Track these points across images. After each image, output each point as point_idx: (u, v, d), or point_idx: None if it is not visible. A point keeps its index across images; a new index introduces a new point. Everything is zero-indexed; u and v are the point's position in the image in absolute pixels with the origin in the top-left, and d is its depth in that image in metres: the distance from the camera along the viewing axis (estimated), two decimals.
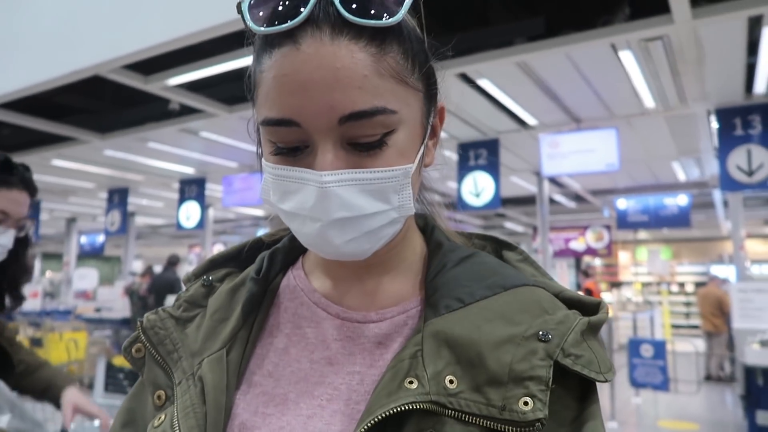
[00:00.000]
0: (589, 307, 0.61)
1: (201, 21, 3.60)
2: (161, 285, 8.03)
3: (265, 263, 0.70)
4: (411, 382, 0.54)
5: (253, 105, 0.62)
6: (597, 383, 0.56)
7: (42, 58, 4.54)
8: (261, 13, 0.55)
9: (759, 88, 5.21)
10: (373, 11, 0.53)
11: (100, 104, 6.43)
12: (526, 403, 0.52)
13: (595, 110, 6.07)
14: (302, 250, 0.74)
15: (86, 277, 11.21)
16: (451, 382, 0.54)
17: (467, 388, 0.54)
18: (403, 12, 0.54)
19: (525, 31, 4.32)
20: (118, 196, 10.40)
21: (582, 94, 5.57)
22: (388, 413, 0.52)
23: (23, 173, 1.48)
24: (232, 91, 5.70)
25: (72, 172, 9.14)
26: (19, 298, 1.53)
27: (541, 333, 0.55)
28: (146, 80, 5.05)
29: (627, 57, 4.50)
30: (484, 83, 5.14)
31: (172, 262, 8.61)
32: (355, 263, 0.63)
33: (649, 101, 5.61)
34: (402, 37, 0.57)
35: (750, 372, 4.96)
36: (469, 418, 0.53)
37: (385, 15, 0.53)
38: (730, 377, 8.75)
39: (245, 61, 4.56)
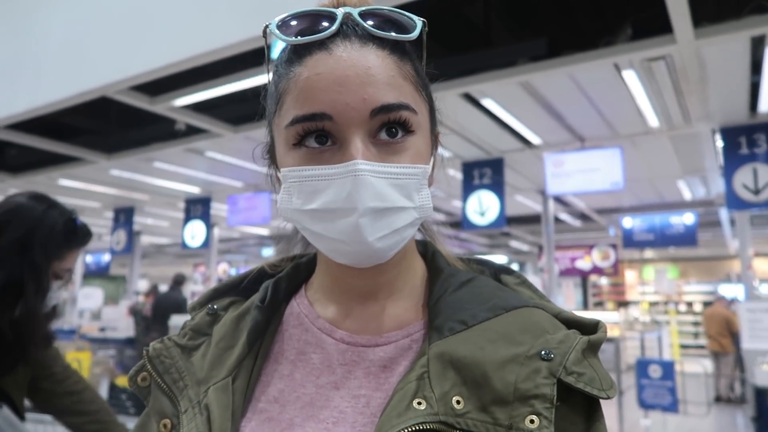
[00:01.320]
0: (587, 327, 0.62)
1: (207, 42, 3.64)
2: (167, 304, 7.96)
3: (269, 291, 0.71)
4: (419, 403, 0.55)
5: (270, 126, 0.66)
6: (600, 400, 0.57)
7: (49, 79, 4.59)
8: (291, 31, 0.60)
9: (763, 107, 5.21)
10: (394, 29, 0.60)
11: (107, 125, 6.48)
12: (532, 421, 0.53)
13: (599, 129, 6.08)
14: (305, 279, 0.75)
15: (91, 296, 11.20)
16: (458, 402, 0.55)
17: (474, 408, 0.54)
18: (417, 31, 0.61)
19: (528, 52, 4.34)
20: (123, 216, 10.44)
21: (586, 113, 5.58)
22: None
23: (88, 231, 1.56)
24: (237, 111, 5.74)
25: (78, 192, 9.19)
26: (48, 338, 1.55)
27: (543, 352, 0.56)
28: (152, 101, 5.10)
29: (630, 77, 4.51)
30: (487, 103, 5.16)
31: (178, 281, 8.58)
32: (364, 283, 0.65)
33: (653, 120, 5.61)
34: (414, 58, 0.63)
35: (761, 393, 4.89)
36: None
37: (404, 31, 0.61)
38: (741, 399, 8.62)
39: (251, 82, 4.60)
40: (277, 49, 0.68)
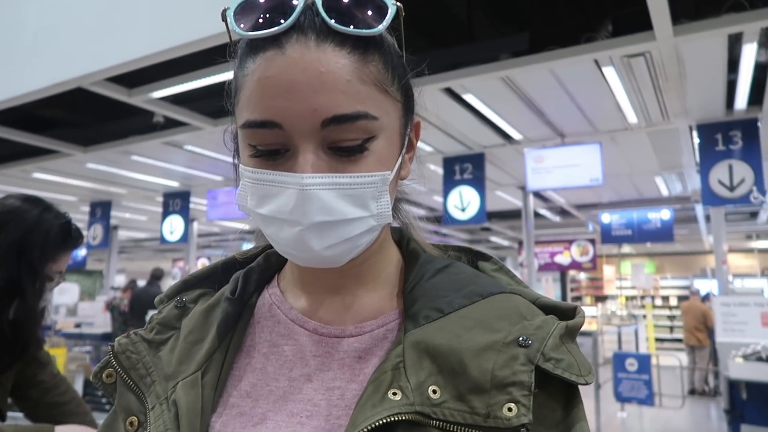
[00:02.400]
0: (565, 312, 0.61)
1: (186, 34, 3.59)
2: (145, 300, 7.87)
3: (240, 283, 0.69)
4: (395, 394, 0.53)
5: (232, 111, 0.62)
6: (579, 386, 0.57)
7: (23, 69, 4.49)
8: (246, 20, 0.56)
9: (739, 104, 5.29)
10: (355, 23, 0.55)
11: (83, 117, 6.37)
12: (510, 409, 0.52)
13: (579, 125, 6.13)
14: (277, 269, 0.73)
15: (67, 291, 11.01)
16: (434, 392, 0.53)
17: (450, 397, 0.53)
18: (384, 25, 0.56)
19: (510, 47, 4.36)
20: (100, 210, 10.28)
21: (566, 109, 5.62)
22: (373, 425, 0.52)
23: (81, 234, 1.60)
24: (217, 104, 5.59)
25: (53, 186, 9.03)
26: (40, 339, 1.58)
27: (521, 338, 0.55)
28: (130, 93, 5.02)
29: (610, 73, 4.55)
30: (469, 98, 5.17)
31: (156, 276, 8.47)
32: (331, 276, 0.63)
33: (632, 117, 5.67)
34: (383, 49, 0.58)
35: (733, 386, 4.99)
36: (453, 428, 0.52)
37: (367, 26, 0.55)
38: (715, 391, 8.79)
39: (230, 74, 4.54)
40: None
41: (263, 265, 0.72)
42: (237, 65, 0.60)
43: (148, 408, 0.61)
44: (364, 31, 0.55)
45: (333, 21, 0.54)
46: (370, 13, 0.56)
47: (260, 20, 0.55)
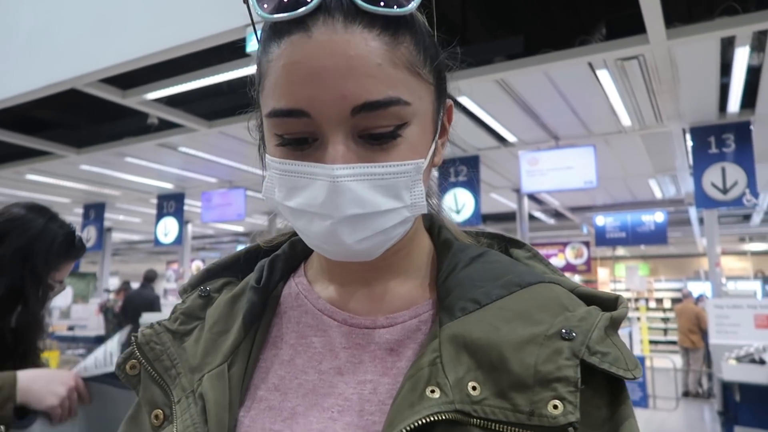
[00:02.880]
0: (606, 303, 0.58)
1: (180, 35, 3.58)
2: (138, 302, 7.80)
3: (265, 271, 0.66)
4: (433, 391, 0.51)
5: (257, 99, 0.59)
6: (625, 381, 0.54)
7: (17, 70, 4.47)
8: (269, 2, 0.53)
9: (732, 107, 5.32)
10: (384, 2, 0.51)
11: (77, 118, 6.35)
12: (555, 407, 0.49)
13: (573, 128, 6.15)
14: (303, 257, 0.71)
15: (60, 294, 10.94)
16: (474, 388, 0.51)
17: (491, 393, 0.51)
18: (415, 3, 0.52)
19: (504, 50, 4.37)
20: (94, 212, 10.24)
21: (560, 111, 5.64)
22: (412, 426, 0.49)
23: (83, 245, 1.62)
24: (212, 106, 5.67)
25: (47, 187, 8.98)
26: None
27: (564, 331, 0.52)
28: (124, 94, 5.00)
29: (604, 76, 4.57)
30: (463, 100, 5.18)
31: (149, 278, 8.42)
32: (362, 266, 0.60)
33: (625, 119, 5.69)
34: (414, 29, 0.55)
35: (727, 388, 5.00)
36: (496, 426, 0.50)
37: (397, 5, 0.52)
38: (708, 393, 8.82)
39: (226, 75, 4.54)
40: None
41: (289, 253, 0.69)
42: (261, 50, 0.56)
43: (173, 401, 0.59)
44: (394, 10, 0.51)
45: (361, 0, 0.51)
46: None
47: (283, 2, 0.52)
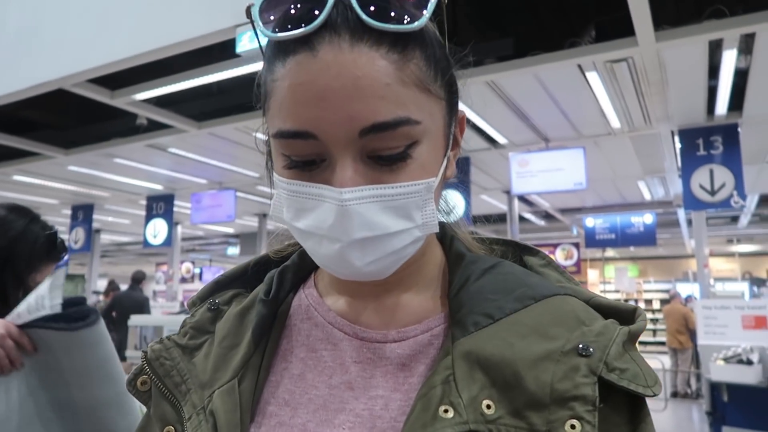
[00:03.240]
0: (624, 315, 0.57)
1: (169, 36, 3.56)
2: (128, 304, 7.63)
3: (274, 283, 0.65)
4: (446, 411, 0.49)
5: (263, 116, 0.58)
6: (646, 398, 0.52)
7: (4, 70, 4.42)
8: (273, 17, 0.51)
9: (720, 109, 5.37)
10: (394, 15, 0.50)
11: (65, 119, 6.30)
12: (573, 426, 0.47)
13: (562, 130, 6.18)
14: (313, 267, 0.69)
15: None
16: (488, 407, 0.49)
17: (506, 413, 0.49)
18: (426, 17, 0.51)
19: (494, 52, 4.39)
20: (82, 213, 10.16)
21: (550, 113, 5.66)
22: None
23: (65, 247, 1.59)
24: (201, 107, 5.64)
25: (35, 188, 8.90)
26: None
27: (581, 346, 0.51)
28: (113, 95, 4.97)
29: (593, 78, 4.59)
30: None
31: (138, 279, 8.27)
32: (371, 284, 0.59)
33: (615, 121, 5.73)
34: (424, 43, 0.53)
35: (715, 388, 5.04)
36: None
37: (407, 19, 0.50)
38: (697, 394, 8.88)
39: (216, 76, 4.52)
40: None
41: (298, 264, 0.68)
42: (265, 68, 0.55)
43: (184, 418, 0.59)
44: (403, 26, 0.49)
45: (368, 16, 0.48)
46: (409, 1, 0.51)
47: (288, 18, 0.50)
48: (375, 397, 0.56)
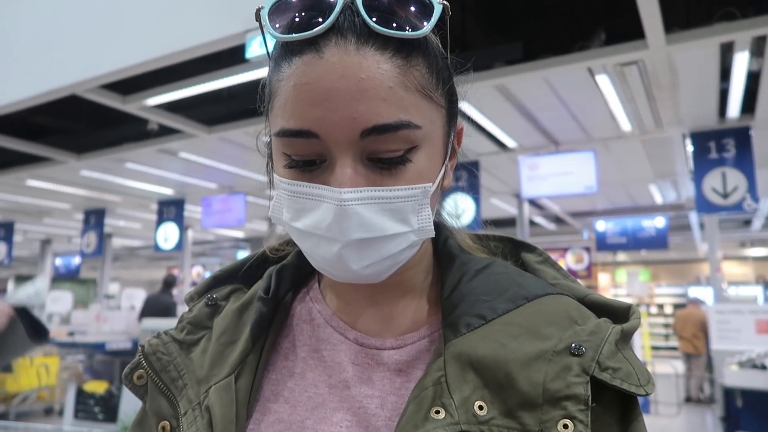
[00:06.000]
0: (618, 313, 0.57)
1: (181, 41, 3.59)
2: (156, 307, 7.58)
3: (273, 281, 0.66)
4: (438, 412, 0.50)
5: (266, 117, 0.59)
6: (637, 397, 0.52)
7: (17, 76, 4.48)
8: (282, 20, 0.53)
9: (732, 112, 5.32)
10: (399, 23, 0.51)
11: (77, 124, 6.36)
12: (566, 426, 0.48)
13: (572, 133, 6.15)
14: (312, 268, 0.70)
15: (60, 300, 10.96)
16: (480, 408, 0.50)
17: (499, 413, 0.50)
18: (430, 26, 0.52)
19: (503, 56, 4.38)
20: (94, 218, 10.24)
21: (560, 117, 5.64)
22: None
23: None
24: (211, 111, 5.67)
25: (47, 193, 8.98)
26: None
27: (573, 346, 0.51)
28: (124, 100, 5.01)
29: (603, 81, 4.57)
30: (463, 106, 5.18)
31: (169, 283, 8.14)
32: (370, 287, 0.61)
33: (625, 125, 5.70)
34: (427, 52, 0.55)
35: (729, 393, 4.98)
36: None
37: (411, 27, 0.52)
38: (710, 399, 8.78)
39: (225, 81, 4.55)
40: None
41: (297, 263, 0.69)
42: (271, 68, 0.56)
43: (180, 413, 0.59)
44: (407, 33, 0.51)
45: (374, 22, 0.50)
46: (414, 11, 0.52)
47: (296, 21, 0.52)
48: (371, 396, 0.57)
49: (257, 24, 0.54)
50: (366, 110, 0.49)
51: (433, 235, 0.56)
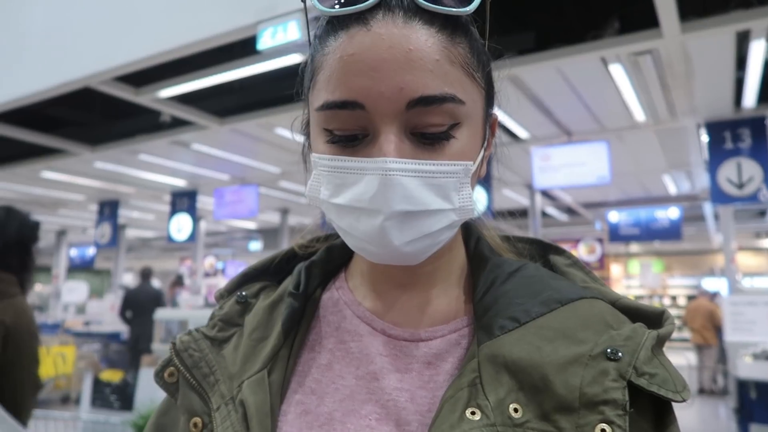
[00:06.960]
0: (652, 318, 0.57)
1: (193, 33, 3.60)
2: (144, 298, 7.52)
3: (302, 277, 0.66)
4: (473, 413, 0.50)
5: (306, 98, 0.59)
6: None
7: (31, 69, 4.52)
8: None
9: (748, 102, 5.26)
10: (443, 1, 0.52)
11: (91, 116, 6.41)
12: (603, 431, 0.47)
13: (585, 123, 6.10)
14: (341, 263, 0.70)
15: (76, 290, 11.09)
16: (515, 410, 0.49)
17: (534, 416, 0.49)
18: (474, 5, 0.53)
19: (516, 45, 4.35)
20: (108, 209, 10.34)
21: (573, 107, 5.60)
22: None
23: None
24: (223, 103, 5.69)
25: (62, 185, 9.08)
26: None
27: (609, 351, 0.51)
28: (137, 92, 5.04)
29: (617, 71, 4.53)
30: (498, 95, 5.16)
31: (146, 274, 8.13)
32: (403, 274, 0.61)
33: (639, 115, 5.64)
34: (470, 33, 0.56)
35: (743, 385, 4.95)
36: None
37: (456, 4, 0.53)
38: (723, 391, 8.74)
39: (238, 73, 4.56)
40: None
41: (325, 259, 0.69)
42: (315, 46, 0.56)
43: (212, 408, 0.59)
44: (453, 9, 0.52)
45: None
46: None
47: None
48: (401, 389, 0.56)
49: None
50: (413, 81, 0.50)
51: (475, 215, 0.57)
